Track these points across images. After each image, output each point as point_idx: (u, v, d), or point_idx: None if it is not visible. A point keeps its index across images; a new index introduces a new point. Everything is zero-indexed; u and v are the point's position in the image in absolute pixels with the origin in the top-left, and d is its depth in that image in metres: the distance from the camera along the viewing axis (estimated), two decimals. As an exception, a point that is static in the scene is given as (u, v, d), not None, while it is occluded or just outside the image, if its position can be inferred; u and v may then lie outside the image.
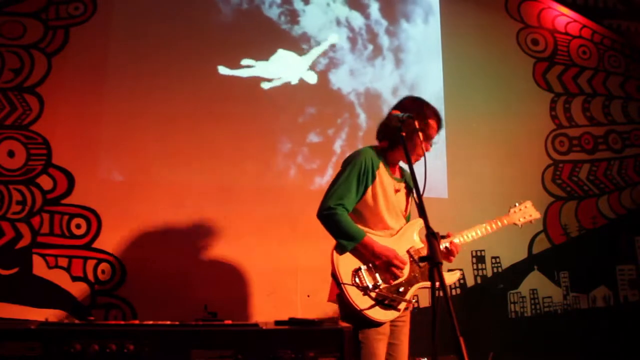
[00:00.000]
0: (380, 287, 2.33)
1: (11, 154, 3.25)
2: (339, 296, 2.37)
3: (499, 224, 2.67)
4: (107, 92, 3.45)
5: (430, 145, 2.60)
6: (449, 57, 4.20)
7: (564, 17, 4.58)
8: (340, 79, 3.93)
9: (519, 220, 2.71)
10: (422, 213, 1.88)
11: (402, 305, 2.39)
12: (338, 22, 4.03)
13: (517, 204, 2.74)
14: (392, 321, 2.40)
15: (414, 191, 1.95)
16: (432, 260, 1.73)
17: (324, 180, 3.70)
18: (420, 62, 4.15)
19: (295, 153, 3.73)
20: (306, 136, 3.77)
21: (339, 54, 3.98)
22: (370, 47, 4.06)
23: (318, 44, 3.92)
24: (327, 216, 2.38)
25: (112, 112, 3.43)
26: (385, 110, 3.83)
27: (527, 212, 2.73)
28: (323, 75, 3.90)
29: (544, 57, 4.46)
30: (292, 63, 3.84)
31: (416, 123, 2.20)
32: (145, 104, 3.49)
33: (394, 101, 3.86)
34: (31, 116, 3.31)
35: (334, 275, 2.36)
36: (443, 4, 4.28)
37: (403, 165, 2.67)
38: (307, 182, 3.70)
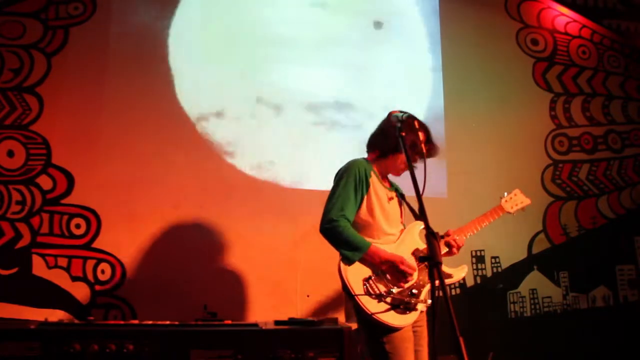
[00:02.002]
0: (394, 292, 2.32)
1: (11, 153, 3.25)
2: (354, 307, 2.33)
3: (495, 215, 2.70)
4: (107, 92, 3.44)
5: (419, 158, 2.42)
6: (449, 57, 4.19)
7: (563, 17, 4.58)
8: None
9: (511, 208, 2.74)
10: (422, 213, 1.87)
11: (420, 306, 2.37)
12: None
13: (506, 194, 2.77)
14: (412, 326, 2.37)
15: (414, 191, 1.92)
16: (432, 260, 1.73)
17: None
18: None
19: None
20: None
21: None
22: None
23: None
24: (330, 229, 2.35)
25: (112, 112, 3.42)
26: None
27: (518, 200, 2.76)
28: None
29: (544, 57, 4.45)
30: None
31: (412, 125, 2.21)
32: (145, 103, 3.49)
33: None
34: (31, 116, 3.31)
35: (346, 288, 2.32)
36: (443, 4, 4.27)
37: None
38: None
